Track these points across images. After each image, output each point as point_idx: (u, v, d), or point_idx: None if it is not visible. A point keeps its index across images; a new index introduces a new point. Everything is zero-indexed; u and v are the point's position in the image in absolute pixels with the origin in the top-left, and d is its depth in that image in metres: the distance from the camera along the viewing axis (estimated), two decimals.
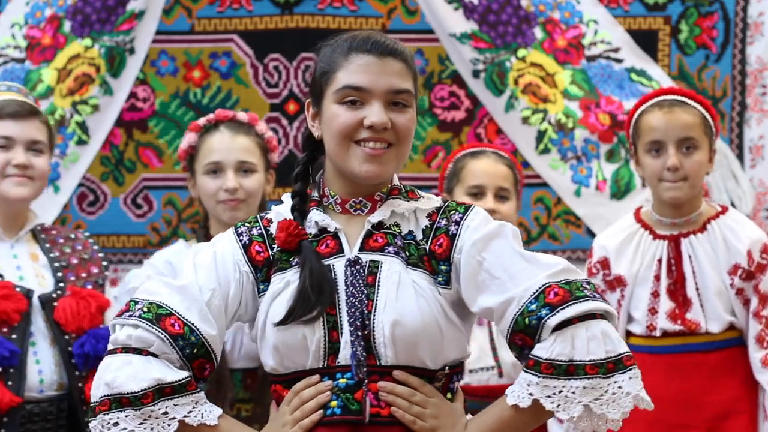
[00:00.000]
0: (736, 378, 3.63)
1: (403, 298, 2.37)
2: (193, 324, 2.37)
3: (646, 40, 4.62)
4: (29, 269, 3.39)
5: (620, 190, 4.61)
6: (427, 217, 2.46)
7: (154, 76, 4.65)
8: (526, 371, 2.33)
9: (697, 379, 3.62)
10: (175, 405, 2.33)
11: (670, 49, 4.63)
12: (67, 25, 4.55)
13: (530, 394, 2.31)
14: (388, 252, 2.42)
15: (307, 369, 2.40)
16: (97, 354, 3.30)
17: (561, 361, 2.30)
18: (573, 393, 2.30)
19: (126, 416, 2.32)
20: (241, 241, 2.48)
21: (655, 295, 3.67)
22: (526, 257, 2.39)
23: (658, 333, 3.65)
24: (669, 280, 3.65)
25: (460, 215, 2.44)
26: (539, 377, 2.31)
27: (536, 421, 2.37)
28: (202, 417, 2.35)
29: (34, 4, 4.57)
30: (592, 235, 4.60)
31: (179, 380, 2.34)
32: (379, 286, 2.39)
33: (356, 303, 2.37)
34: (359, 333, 2.36)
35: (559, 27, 4.60)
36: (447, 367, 2.43)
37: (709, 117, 3.64)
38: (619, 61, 4.61)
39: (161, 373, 2.34)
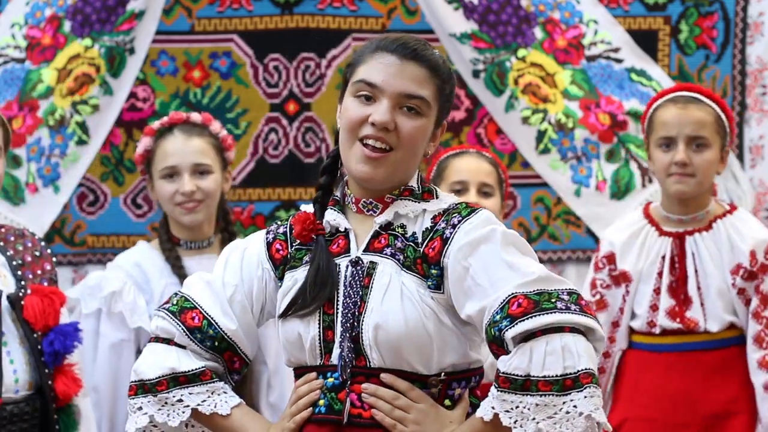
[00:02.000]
0: (736, 378, 3.62)
1: (388, 301, 2.36)
2: (212, 318, 2.47)
3: (646, 40, 4.62)
4: None
5: (620, 190, 4.61)
6: (431, 219, 2.43)
7: (154, 76, 4.65)
8: (494, 384, 2.29)
9: (695, 377, 3.62)
10: (190, 393, 2.44)
11: (670, 49, 4.63)
12: (67, 25, 4.55)
13: (492, 408, 2.27)
14: (386, 254, 2.42)
15: (307, 366, 2.44)
16: (66, 350, 3.28)
17: (517, 375, 2.23)
18: (528, 409, 2.22)
19: (147, 402, 2.46)
20: (267, 239, 2.53)
21: (657, 292, 3.67)
22: (510, 264, 2.30)
23: (657, 330, 3.65)
24: (671, 277, 3.65)
25: (460, 218, 2.38)
26: (498, 390, 2.26)
27: None
28: (215, 406, 2.44)
29: (34, 4, 4.57)
30: (592, 235, 4.60)
31: (193, 370, 2.45)
32: (372, 288, 2.39)
33: (350, 304, 2.39)
34: (348, 334, 2.37)
35: (559, 27, 4.60)
36: (443, 373, 2.40)
37: (723, 117, 3.63)
38: (619, 61, 4.61)
39: (177, 362, 2.46)
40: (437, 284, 2.37)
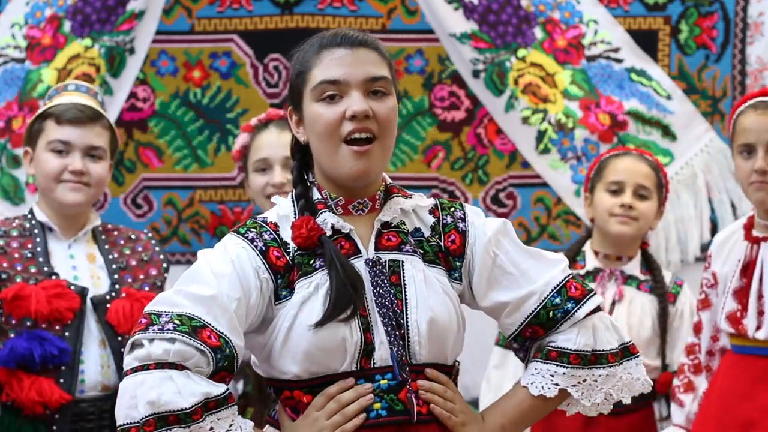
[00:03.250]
0: None
1: (433, 295, 2.38)
2: (226, 336, 2.29)
3: (646, 40, 4.62)
4: (85, 270, 3.39)
5: None
6: (430, 213, 2.47)
7: (154, 76, 4.65)
8: (547, 362, 2.42)
9: (741, 381, 3.59)
10: (218, 419, 2.25)
11: (670, 49, 4.63)
12: (67, 25, 4.55)
13: (556, 384, 2.41)
14: (407, 251, 2.41)
15: (339, 372, 2.36)
16: None
17: (587, 351, 2.41)
18: (595, 381, 2.42)
19: None
20: (256, 247, 2.39)
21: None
22: (532, 254, 2.47)
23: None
24: (740, 282, 3.60)
25: (461, 212, 2.48)
26: (566, 367, 2.41)
27: (549, 409, 2.46)
28: (241, 430, 2.28)
29: (34, 4, 4.57)
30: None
31: (222, 393, 2.27)
32: (405, 285, 2.38)
33: (386, 303, 2.36)
34: (396, 333, 2.35)
35: (559, 27, 4.60)
36: (455, 362, 2.47)
37: None
38: (619, 61, 4.61)
39: (207, 387, 2.25)
40: (460, 275, 2.45)
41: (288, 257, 2.41)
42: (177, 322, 2.28)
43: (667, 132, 4.61)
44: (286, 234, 2.43)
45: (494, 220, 2.48)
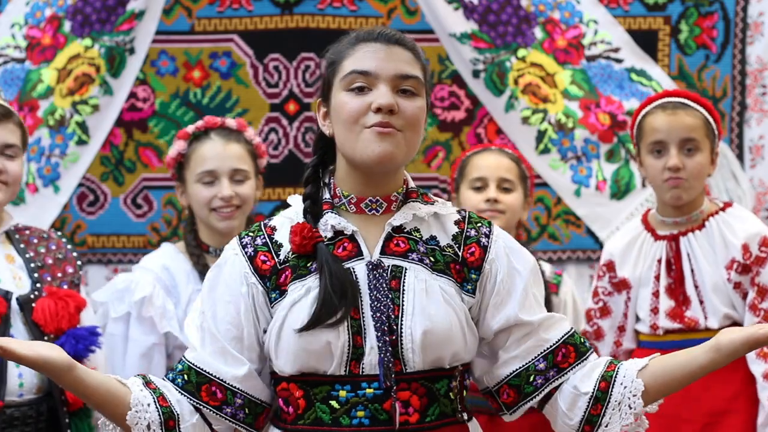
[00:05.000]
0: (737, 375, 3.63)
1: (433, 305, 2.35)
2: (230, 384, 2.43)
3: (646, 40, 4.62)
4: (6, 271, 3.29)
5: (620, 190, 4.61)
6: (455, 224, 2.46)
7: (154, 76, 4.65)
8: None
9: None
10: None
11: (670, 49, 4.63)
12: (67, 25, 4.55)
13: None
14: (412, 259, 2.39)
15: (329, 374, 2.36)
16: (78, 354, 3.22)
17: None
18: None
19: None
20: (246, 253, 2.44)
21: (656, 294, 3.70)
22: (541, 303, 2.51)
23: (660, 332, 3.68)
24: (669, 279, 3.68)
25: (487, 228, 2.47)
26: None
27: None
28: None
29: (34, 4, 4.57)
30: (592, 235, 4.61)
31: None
32: (404, 291, 2.36)
33: (381, 307, 2.34)
34: (387, 338, 2.33)
35: (559, 27, 4.60)
36: (460, 365, 2.43)
37: (711, 120, 3.67)
38: (619, 61, 4.61)
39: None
40: (474, 288, 2.42)
41: (276, 260, 2.42)
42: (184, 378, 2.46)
43: None
44: (283, 235, 2.43)
45: (529, 255, 2.50)
